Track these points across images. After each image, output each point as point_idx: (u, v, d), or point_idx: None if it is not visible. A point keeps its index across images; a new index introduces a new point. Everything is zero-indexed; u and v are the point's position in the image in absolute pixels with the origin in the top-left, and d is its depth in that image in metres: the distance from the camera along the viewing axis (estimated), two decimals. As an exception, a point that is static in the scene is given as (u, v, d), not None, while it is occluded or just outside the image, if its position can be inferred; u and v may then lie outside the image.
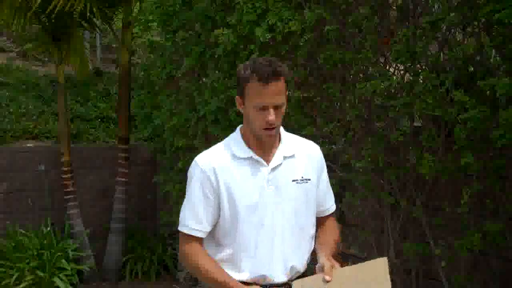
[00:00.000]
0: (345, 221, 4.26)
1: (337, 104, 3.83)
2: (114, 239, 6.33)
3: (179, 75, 4.81)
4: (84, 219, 6.25)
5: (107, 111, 7.48)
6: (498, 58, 3.10)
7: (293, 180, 2.17)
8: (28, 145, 6.64)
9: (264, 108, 2.05)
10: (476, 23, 3.09)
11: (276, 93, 2.05)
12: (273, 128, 2.08)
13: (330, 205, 2.34)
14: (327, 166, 2.35)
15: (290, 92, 3.85)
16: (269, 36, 3.68)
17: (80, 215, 6.23)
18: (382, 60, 3.60)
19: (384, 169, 3.43)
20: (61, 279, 5.72)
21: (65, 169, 6.19)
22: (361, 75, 3.68)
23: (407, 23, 3.33)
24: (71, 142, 6.41)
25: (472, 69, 3.13)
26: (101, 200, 6.59)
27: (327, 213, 2.34)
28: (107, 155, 6.65)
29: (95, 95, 7.74)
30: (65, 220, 6.20)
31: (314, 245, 2.26)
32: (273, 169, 2.14)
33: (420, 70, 3.24)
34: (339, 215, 4.14)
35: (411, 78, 3.28)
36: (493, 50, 3.16)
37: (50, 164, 6.37)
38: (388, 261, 2.10)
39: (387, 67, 3.57)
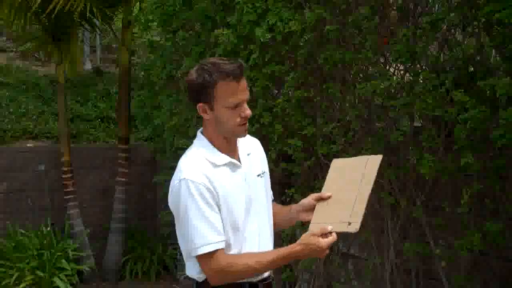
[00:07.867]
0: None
1: (337, 104, 3.83)
2: (114, 239, 6.34)
3: (179, 75, 4.81)
4: (84, 219, 6.26)
5: (107, 111, 7.48)
6: (498, 58, 3.10)
7: (258, 175, 2.21)
8: (28, 145, 6.65)
9: (238, 105, 2.05)
10: (476, 23, 3.08)
11: (246, 87, 2.08)
12: (246, 122, 2.11)
13: (272, 194, 2.37)
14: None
15: (290, 92, 3.86)
16: (269, 36, 3.68)
17: (80, 215, 6.23)
18: (382, 60, 3.60)
19: (384, 169, 3.43)
20: (61, 279, 5.73)
21: (65, 169, 6.19)
22: (361, 75, 3.68)
23: (407, 23, 3.33)
24: (71, 142, 6.41)
25: (472, 69, 3.13)
26: (101, 200, 6.60)
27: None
28: (107, 155, 6.66)
29: (95, 95, 7.75)
30: (65, 220, 6.21)
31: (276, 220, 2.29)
32: (246, 168, 2.16)
33: (420, 70, 3.24)
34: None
35: (411, 78, 3.28)
36: (493, 50, 3.16)
37: (50, 164, 6.37)
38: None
39: (387, 67, 3.57)
